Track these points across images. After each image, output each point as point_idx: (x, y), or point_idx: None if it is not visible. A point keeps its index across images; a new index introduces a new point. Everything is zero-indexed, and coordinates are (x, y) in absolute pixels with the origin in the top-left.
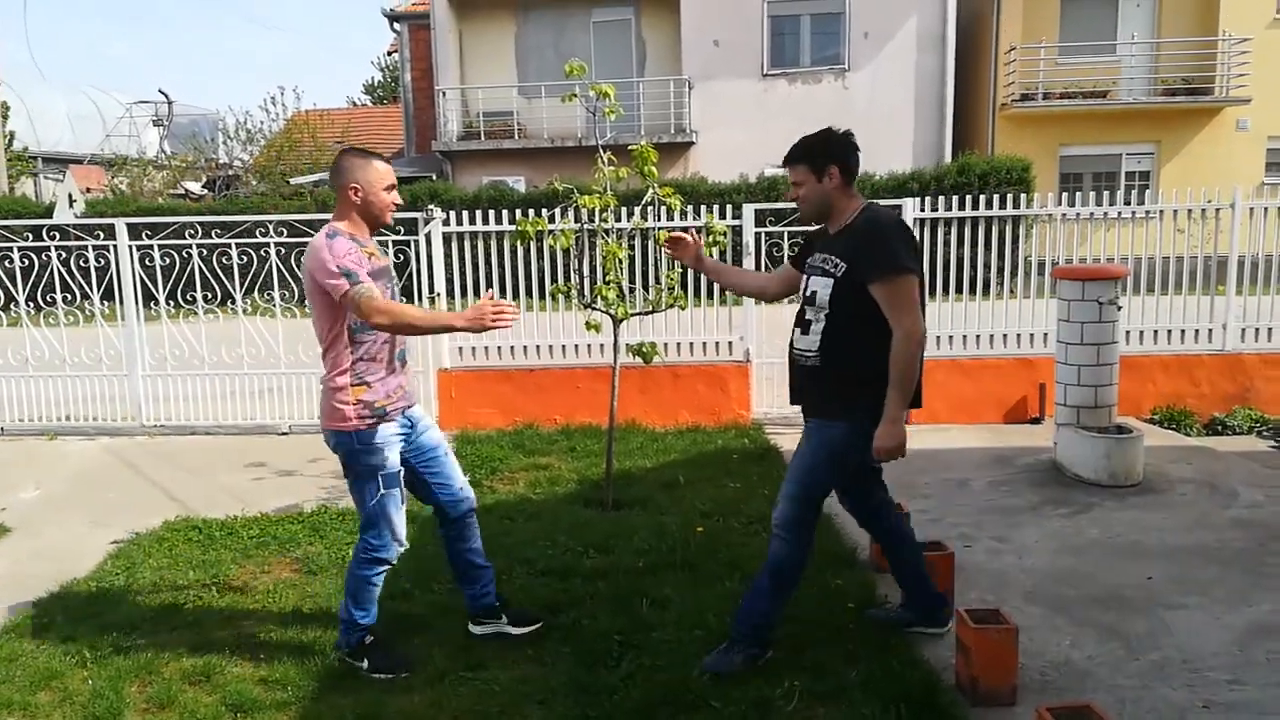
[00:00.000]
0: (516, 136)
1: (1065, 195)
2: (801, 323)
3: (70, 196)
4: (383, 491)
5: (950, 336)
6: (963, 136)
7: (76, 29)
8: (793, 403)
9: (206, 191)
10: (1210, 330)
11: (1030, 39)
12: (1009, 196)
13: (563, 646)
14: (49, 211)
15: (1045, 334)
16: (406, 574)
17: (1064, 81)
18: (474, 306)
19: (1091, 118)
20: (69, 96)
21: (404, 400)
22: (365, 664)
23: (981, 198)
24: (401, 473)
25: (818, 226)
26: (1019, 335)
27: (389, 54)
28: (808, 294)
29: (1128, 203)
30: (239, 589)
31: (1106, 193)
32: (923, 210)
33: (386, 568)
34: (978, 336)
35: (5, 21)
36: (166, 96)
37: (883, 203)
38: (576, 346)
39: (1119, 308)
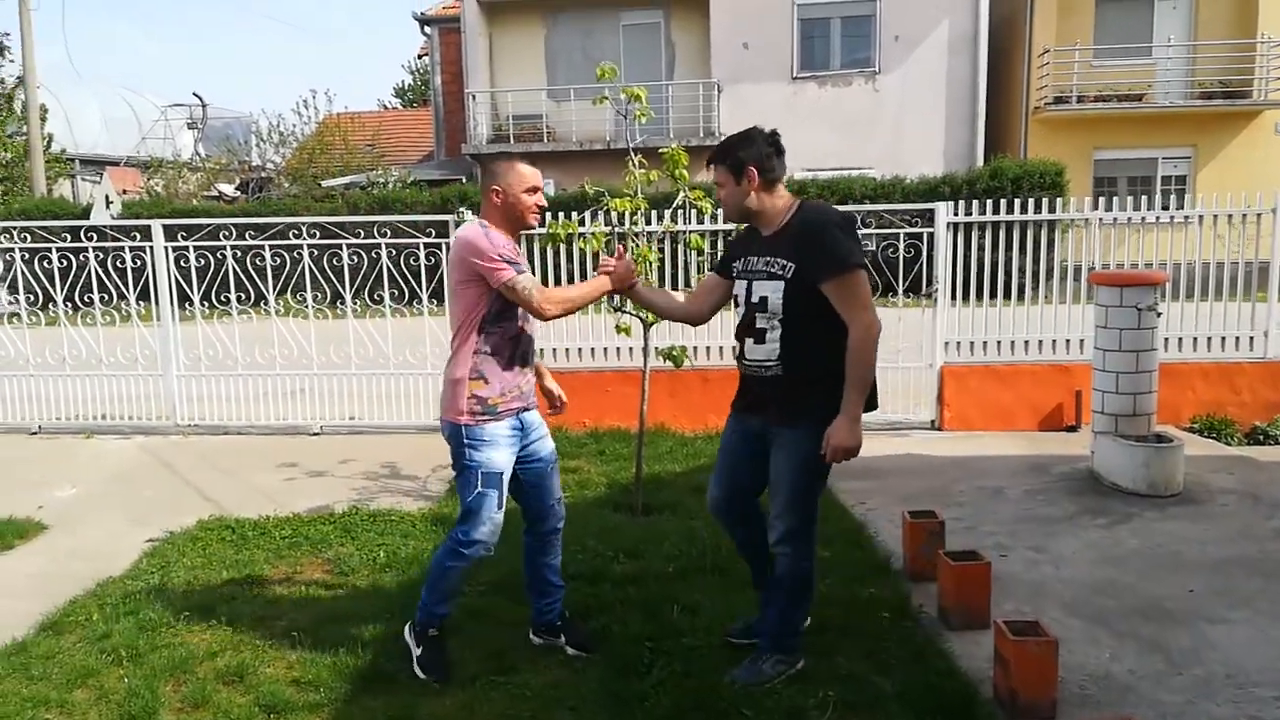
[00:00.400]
0: (545, 140)
1: (1101, 200)
2: (752, 332)
3: (108, 198)
4: (479, 489)
5: (985, 342)
6: (994, 140)
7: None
8: (745, 411)
9: (240, 194)
10: (1251, 338)
11: (1064, 41)
12: (1044, 201)
13: (593, 652)
14: (86, 212)
15: (1082, 340)
16: None
17: (1098, 84)
18: (606, 270)
19: (1126, 121)
20: (103, 99)
21: (519, 401)
22: (418, 651)
23: (1016, 201)
24: (505, 475)
25: (745, 227)
26: (1055, 341)
27: (419, 57)
28: (754, 300)
29: (1165, 207)
30: (271, 589)
31: (1144, 197)
32: (956, 214)
33: (466, 564)
34: (1012, 342)
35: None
36: (200, 99)
37: (913, 207)
38: (606, 350)
39: (1159, 314)
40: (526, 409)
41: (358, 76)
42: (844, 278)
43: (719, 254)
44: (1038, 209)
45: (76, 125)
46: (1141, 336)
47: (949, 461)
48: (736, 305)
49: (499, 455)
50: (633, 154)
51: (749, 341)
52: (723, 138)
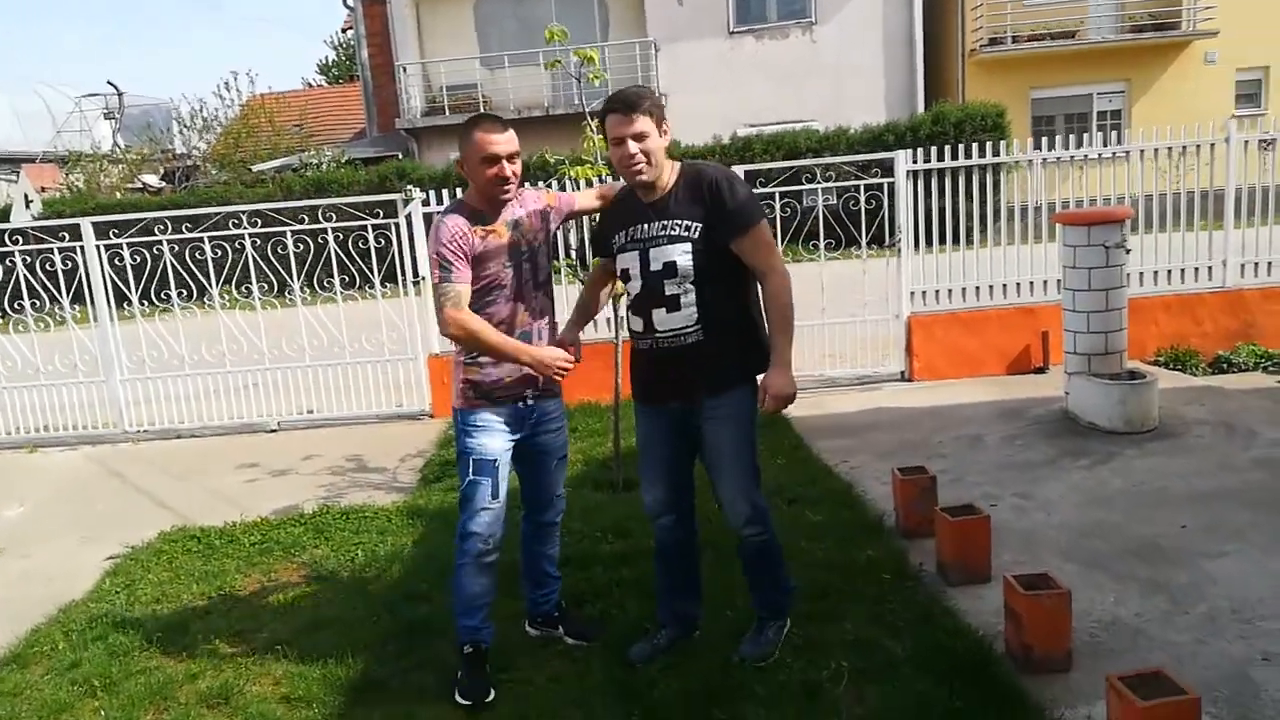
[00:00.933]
0: (482, 109)
1: (1044, 139)
2: (661, 300)
3: (26, 197)
4: (471, 477)
5: (950, 290)
6: (934, 86)
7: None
8: (661, 397)
9: (165, 184)
10: (1210, 268)
11: None
12: (999, 144)
13: (593, 641)
14: (4, 214)
15: (1045, 281)
16: (424, 575)
17: (1031, 24)
18: (548, 352)
19: (1060, 59)
20: (13, 93)
21: (520, 387)
22: (457, 674)
23: (975, 146)
24: (499, 462)
25: (616, 198)
26: (1018, 285)
27: (344, 31)
28: (657, 268)
29: (1113, 142)
30: (247, 601)
31: (1100, 133)
32: (915, 162)
33: (470, 562)
34: (977, 289)
35: None
36: (116, 88)
37: (871, 157)
38: None
39: (1128, 251)
40: (534, 396)
41: (280, 56)
42: (756, 229)
43: None
44: (981, 152)
45: None
46: (1110, 274)
47: (924, 412)
48: (628, 279)
49: (492, 442)
50: (590, 119)
51: (659, 312)
52: (664, 97)
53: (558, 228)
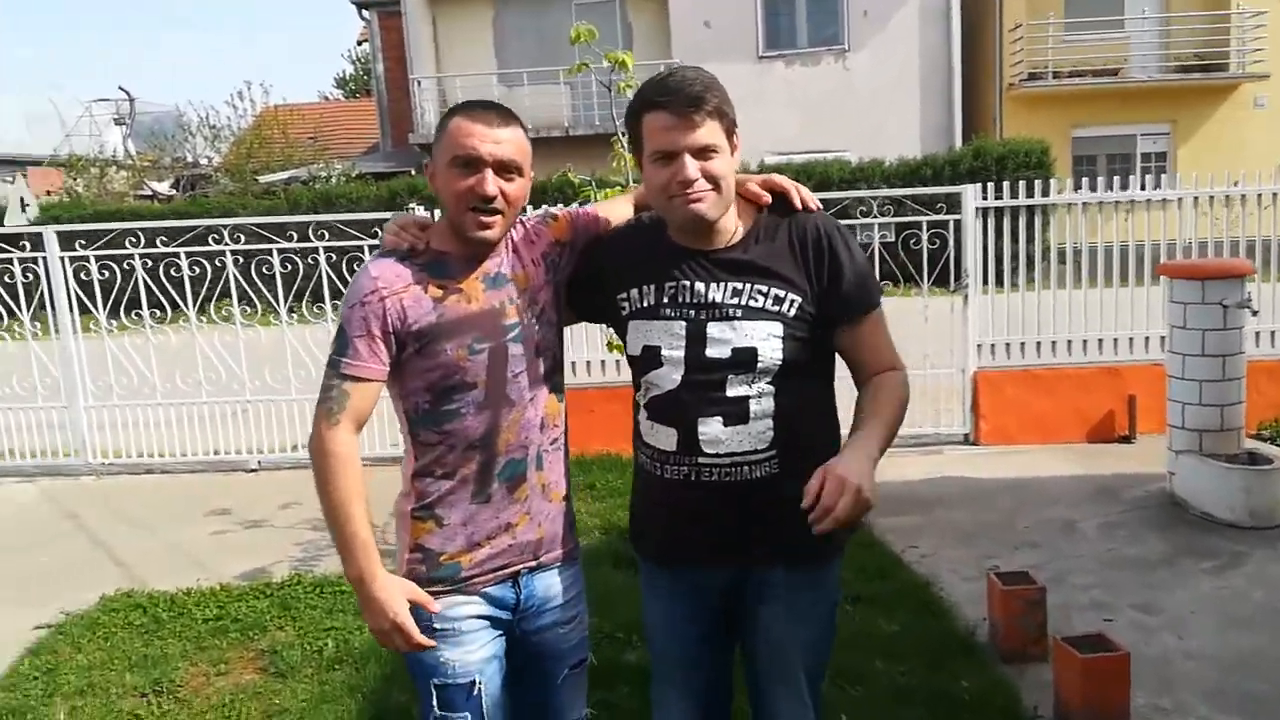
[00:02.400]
0: None
1: (1099, 179)
2: (721, 405)
3: (22, 200)
4: (438, 714)
5: (1022, 344)
6: (969, 120)
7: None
8: (697, 556)
9: (175, 192)
10: None
11: (1035, 15)
12: (1068, 181)
13: None
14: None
15: (1131, 338)
16: (405, 682)
17: (1073, 60)
18: (394, 598)
19: (1103, 97)
20: (24, 97)
21: (506, 559)
22: None
23: (1053, 183)
24: (477, 684)
25: (634, 227)
26: (1100, 340)
27: (359, 44)
28: (721, 353)
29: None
30: (186, 701)
31: (1149, 175)
32: (985, 198)
33: None
34: (1054, 343)
35: None
36: (127, 93)
37: (935, 191)
38: (590, 364)
39: (1255, 311)
40: (522, 568)
41: (298, 67)
42: (879, 312)
43: None
44: (1045, 190)
45: None
46: (1229, 338)
47: (999, 486)
48: (652, 365)
49: (466, 654)
50: (621, 136)
51: (711, 424)
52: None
53: (574, 273)
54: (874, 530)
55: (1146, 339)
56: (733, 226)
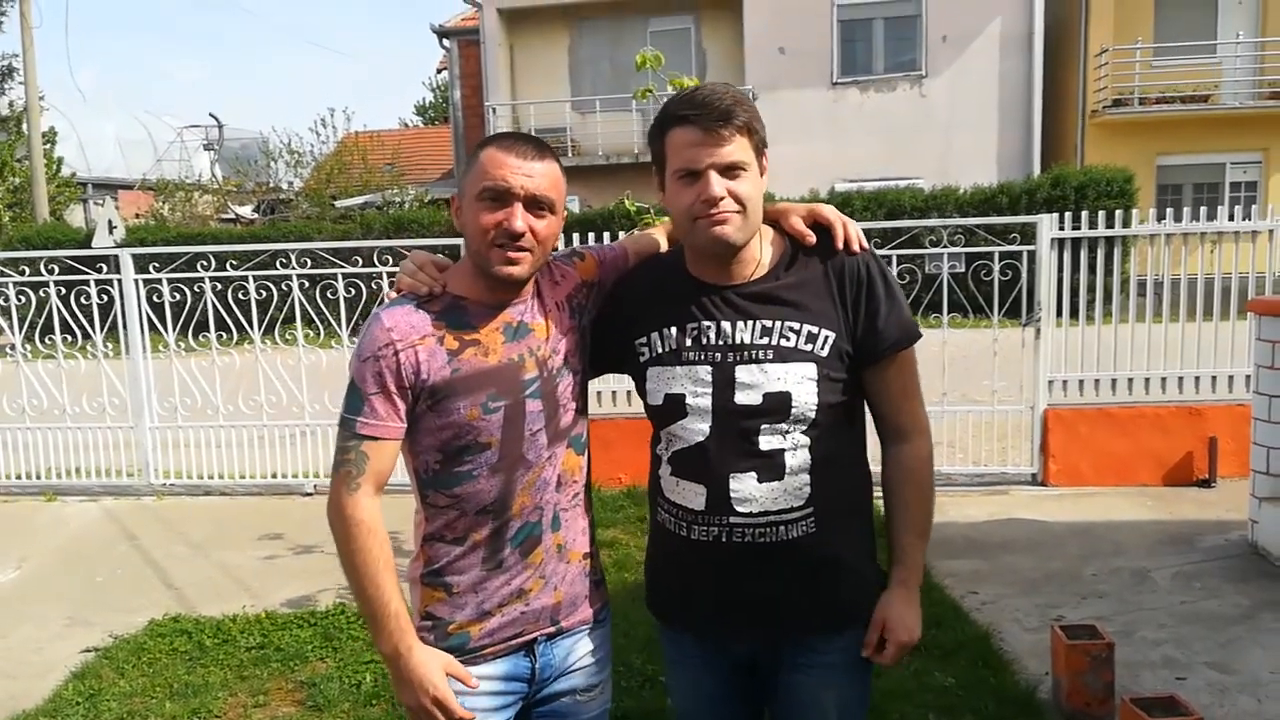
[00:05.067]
0: (570, 154)
1: (1186, 209)
2: (753, 458)
3: (110, 222)
4: None
5: (1097, 380)
6: (1048, 147)
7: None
8: (723, 627)
9: (256, 216)
10: None
11: (1122, 40)
12: (1150, 211)
13: None
14: (89, 239)
15: (1213, 377)
16: None
17: (1160, 85)
18: (430, 673)
19: (1191, 124)
20: (119, 121)
21: (518, 627)
22: None
23: (1135, 213)
24: None
25: (644, 268)
26: (1180, 378)
27: (439, 71)
28: (751, 400)
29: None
30: None
31: (1239, 205)
32: (1061, 228)
33: None
34: (1130, 380)
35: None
36: (217, 120)
37: (1008, 220)
38: (614, 394)
39: None
40: (539, 636)
41: (382, 95)
42: (911, 351)
43: None
44: (1126, 221)
45: (91, 148)
46: None
47: (1068, 530)
48: (675, 416)
49: None
50: None
51: (744, 480)
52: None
53: (599, 317)
54: (932, 574)
55: (1230, 378)
56: (758, 257)
